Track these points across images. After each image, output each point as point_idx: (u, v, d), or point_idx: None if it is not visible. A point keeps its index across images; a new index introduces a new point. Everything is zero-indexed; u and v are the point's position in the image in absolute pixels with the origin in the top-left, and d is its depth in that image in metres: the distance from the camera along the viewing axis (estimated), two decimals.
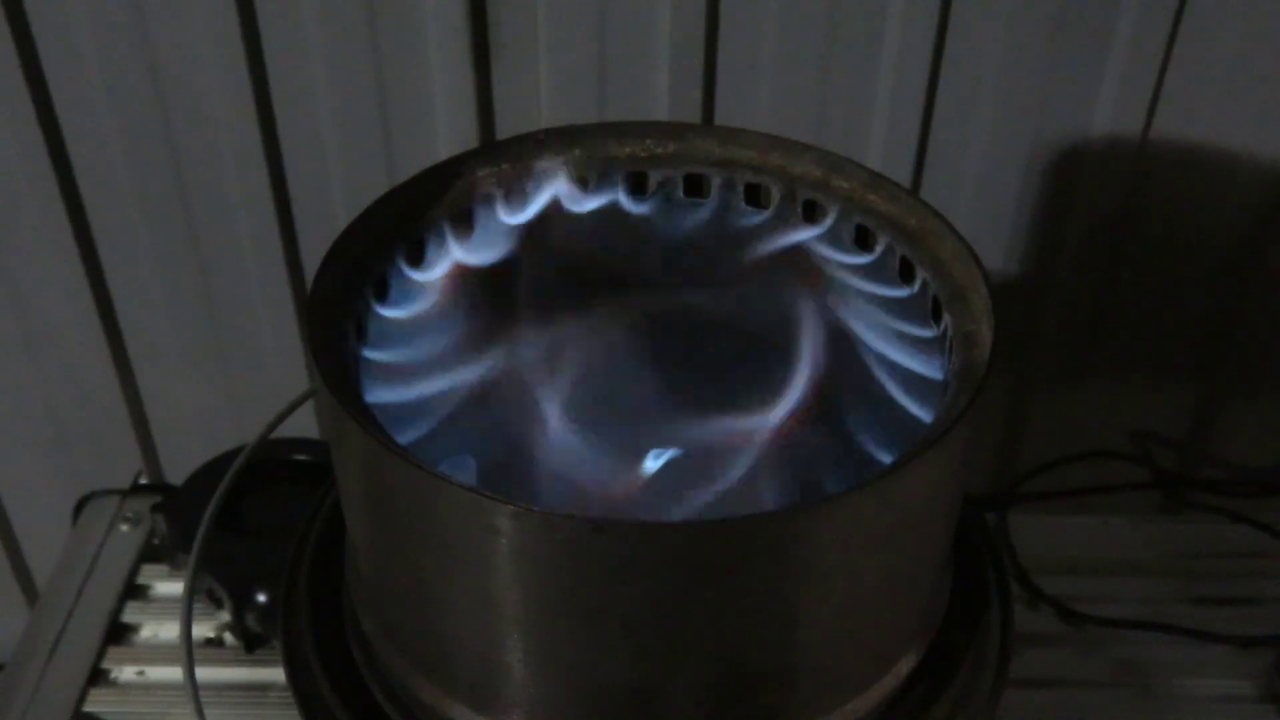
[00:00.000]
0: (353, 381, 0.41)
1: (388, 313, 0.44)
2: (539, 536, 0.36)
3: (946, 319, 0.44)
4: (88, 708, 0.67)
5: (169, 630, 0.72)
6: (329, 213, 0.80)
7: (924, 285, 0.45)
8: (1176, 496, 0.83)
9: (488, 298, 0.46)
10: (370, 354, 0.43)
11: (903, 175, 0.80)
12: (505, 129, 0.78)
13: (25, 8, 0.72)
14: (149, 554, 0.76)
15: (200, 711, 0.52)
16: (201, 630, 0.70)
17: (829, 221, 0.48)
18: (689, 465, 0.41)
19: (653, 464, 0.40)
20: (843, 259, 0.48)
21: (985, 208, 0.81)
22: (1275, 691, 0.68)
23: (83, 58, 0.74)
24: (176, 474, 0.81)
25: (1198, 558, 0.76)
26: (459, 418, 0.42)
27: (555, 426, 0.41)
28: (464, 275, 0.46)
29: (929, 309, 0.45)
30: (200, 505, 0.56)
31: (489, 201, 0.48)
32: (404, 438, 0.40)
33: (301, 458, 0.73)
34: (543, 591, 0.38)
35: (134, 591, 0.74)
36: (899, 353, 0.44)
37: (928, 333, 0.45)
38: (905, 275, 0.46)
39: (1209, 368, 0.89)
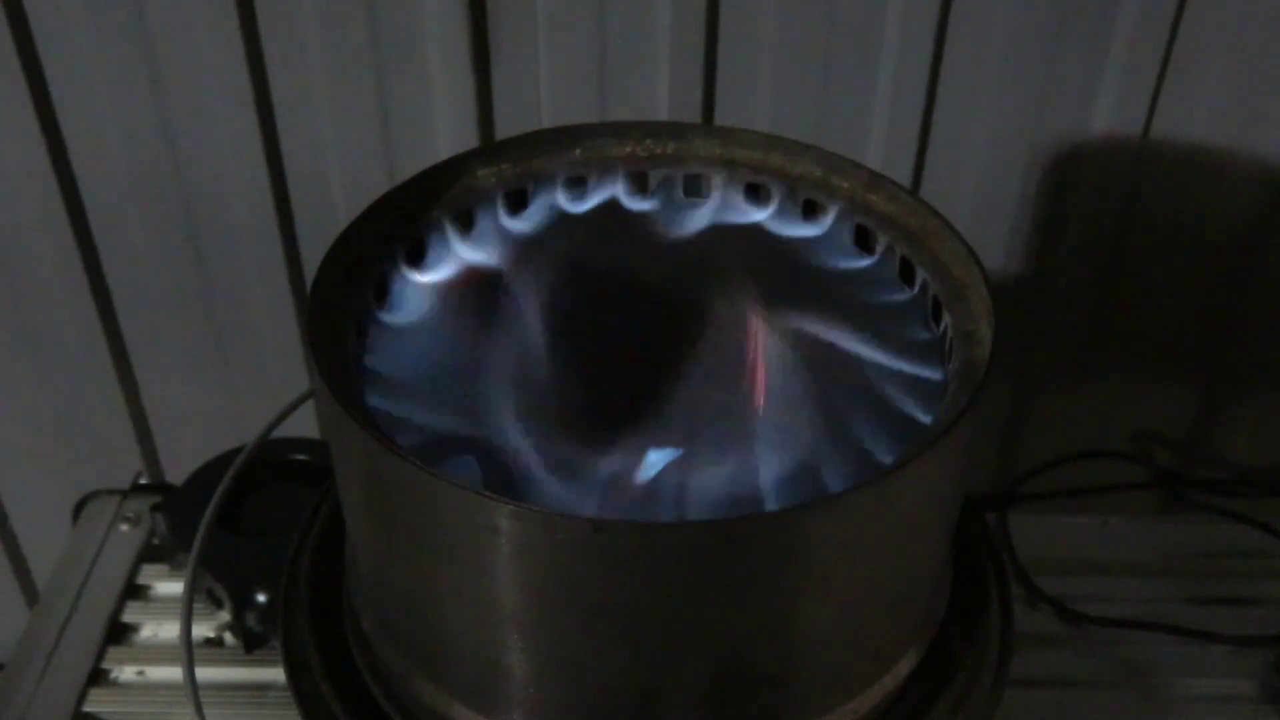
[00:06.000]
0: (353, 382, 0.41)
1: (388, 317, 0.44)
2: (539, 536, 0.36)
3: (946, 319, 0.44)
4: (88, 708, 0.67)
5: (169, 630, 0.71)
6: (329, 213, 0.80)
7: (924, 285, 0.45)
8: (1176, 496, 0.83)
9: (487, 298, 0.46)
10: (370, 358, 0.43)
11: (903, 175, 0.80)
12: (505, 129, 0.78)
13: (25, 8, 0.72)
14: (149, 554, 0.75)
15: (200, 711, 0.52)
16: (201, 630, 0.70)
17: (829, 221, 0.48)
18: (689, 465, 0.41)
19: (653, 464, 0.40)
20: (842, 260, 0.48)
21: (985, 208, 0.81)
22: (1275, 691, 0.68)
23: (83, 58, 0.74)
24: (176, 474, 0.81)
25: (1198, 558, 0.76)
26: (460, 417, 0.42)
27: (556, 426, 0.41)
28: (464, 276, 0.46)
29: (929, 309, 0.45)
30: (200, 505, 0.56)
31: (490, 202, 0.48)
32: (404, 438, 0.40)
33: (301, 458, 0.73)
34: (543, 591, 0.38)
35: (134, 591, 0.74)
36: (899, 353, 0.44)
37: (926, 334, 0.45)
38: (905, 275, 0.46)
39: (1209, 368, 0.89)
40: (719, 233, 0.48)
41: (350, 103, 0.76)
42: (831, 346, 0.44)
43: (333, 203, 0.80)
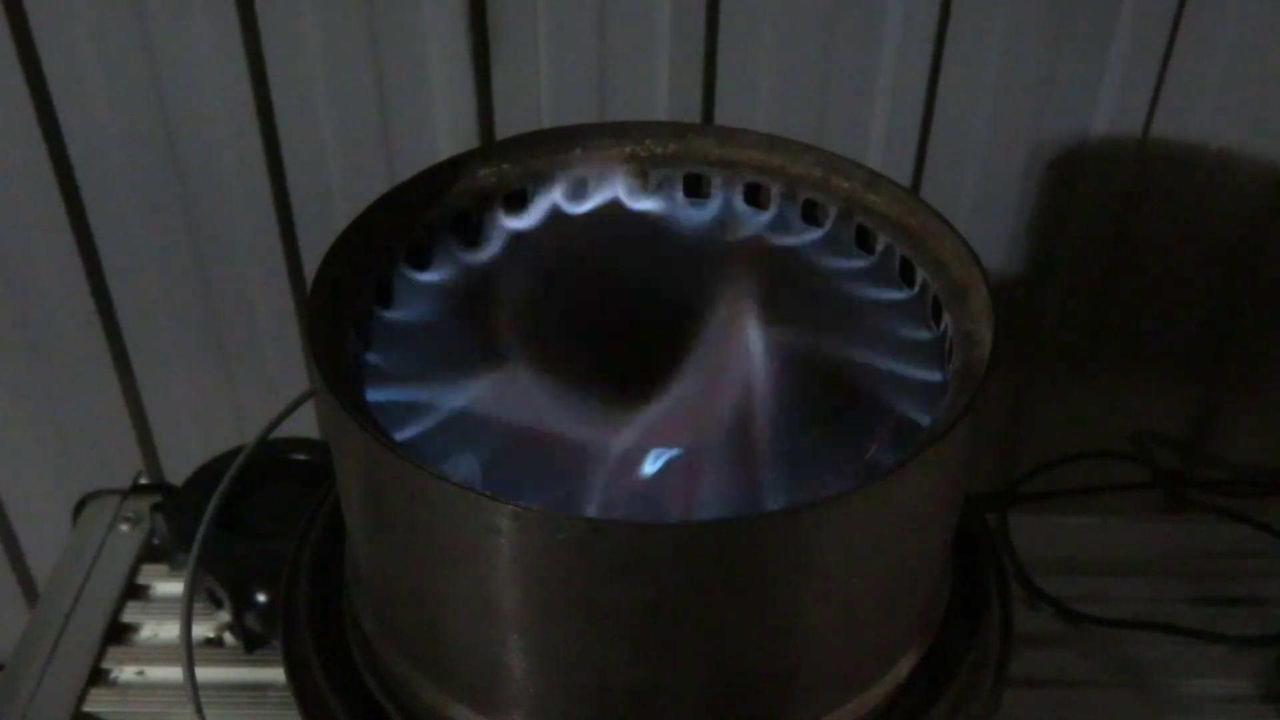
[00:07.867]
0: (353, 381, 0.41)
1: (389, 315, 0.44)
2: (539, 536, 0.36)
3: (946, 319, 0.44)
4: (88, 708, 0.67)
5: (169, 630, 0.71)
6: (329, 213, 0.80)
7: (924, 285, 0.45)
8: (1176, 496, 0.83)
9: (488, 298, 0.46)
10: (371, 356, 0.43)
11: (903, 175, 0.80)
12: (505, 129, 0.78)
13: (25, 8, 0.72)
14: (149, 554, 0.76)
15: (200, 711, 0.52)
16: (201, 630, 0.70)
17: (829, 222, 0.48)
18: (689, 466, 0.41)
19: (653, 464, 0.40)
20: (842, 260, 0.48)
21: (985, 208, 0.81)
22: (1275, 691, 0.68)
23: (83, 58, 0.74)
24: (176, 474, 0.81)
25: (1198, 558, 0.76)
26: (460, 417, 0.42)
27: (556, 427, 0.41)
28: (464, 275, 0.46)
29: (929, 309, 0.45)
30: (200, 505, 0.56)
31: (490, 202, 0.48)
32: (403, 436, 0.40)
33: (301, 458, 0.73)
34: (543, 591, 0.38)
35: (134, 591, 0.74)
36: (899, 354, 0.44)
37: (926, 334, 0.45)
38: (905, 275, 0.46)
39: (1209, 368, 0.89)
40: (718, 233, 0.48)
41: (350, 103, 0.76)
42: (831, 346, 0.44)
43: (333, 203, 0.80)
